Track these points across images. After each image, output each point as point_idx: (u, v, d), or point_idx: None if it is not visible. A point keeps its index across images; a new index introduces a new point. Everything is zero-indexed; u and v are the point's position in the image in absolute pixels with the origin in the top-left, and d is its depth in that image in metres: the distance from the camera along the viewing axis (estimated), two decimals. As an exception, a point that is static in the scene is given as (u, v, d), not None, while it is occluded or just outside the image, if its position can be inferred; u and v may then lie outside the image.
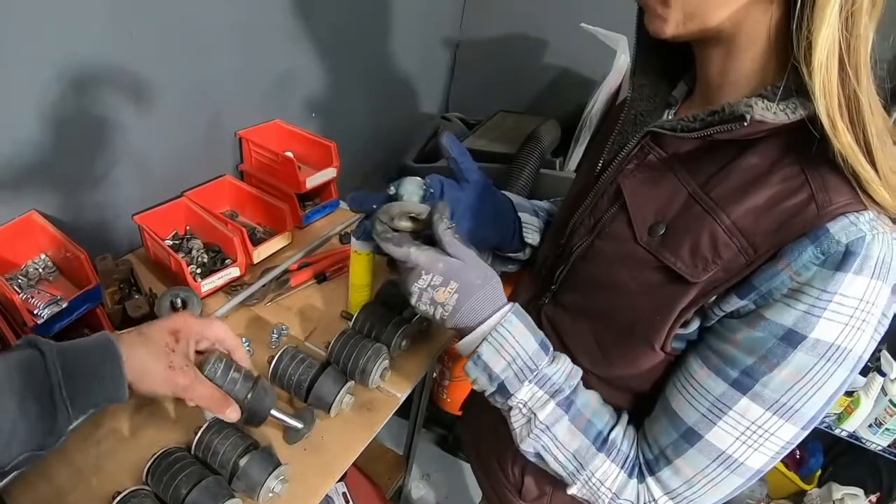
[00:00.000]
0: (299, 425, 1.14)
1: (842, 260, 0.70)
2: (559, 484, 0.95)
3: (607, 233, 0.92)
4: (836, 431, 2.44)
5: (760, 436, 0.78)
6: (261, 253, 1.65)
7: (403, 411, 2.25)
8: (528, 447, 0.92)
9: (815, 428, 2.29)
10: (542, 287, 1.08)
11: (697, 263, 0.79)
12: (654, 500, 0.87)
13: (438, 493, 2.87)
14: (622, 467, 0.89)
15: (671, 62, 0.95)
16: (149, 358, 0.92)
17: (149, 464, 1.05)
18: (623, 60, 2.13)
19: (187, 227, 1.76)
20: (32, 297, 1.36)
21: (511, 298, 0.94)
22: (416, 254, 0.90)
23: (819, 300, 0.71)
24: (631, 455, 0.90)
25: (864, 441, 2.43)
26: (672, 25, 0.79)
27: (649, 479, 0.87)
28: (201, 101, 1.74)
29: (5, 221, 1.40)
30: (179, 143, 1.73)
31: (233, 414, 1.02)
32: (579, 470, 0.89)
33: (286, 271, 1.62)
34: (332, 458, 1.20)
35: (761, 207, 0.75)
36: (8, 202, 1.38)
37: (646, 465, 0.88)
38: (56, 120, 1.37)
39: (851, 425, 2.41)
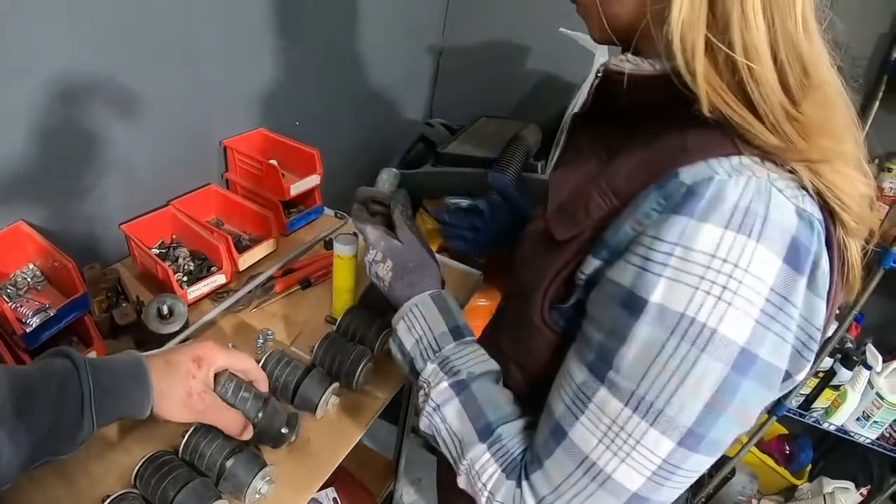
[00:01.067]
0: (285, 430, 1.17)
1: (680, 202, 0.64)
2: None
3: (536, 215, 0.98)
4: (825, 426, 2.46)
5: (625, 441, 0.68)
6: (246, 260, 1.67)
7: (392, 416, 2.27)
8: (423, 426, 0.94)
9: (804, 423, 2.33)
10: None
11: (568, 224, 0.79)
12: None
13: (429, 499, 2.86)
14: (501, 465, 0.83)
15: None
16: (170, 385, 0.98)
17: (137, 467, 1.07)
18: (601, 63, 2.14)
19: (173, 236, 1.77)
20: (21, 306, 1.38)
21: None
22: (369, 231, 1.04)
23: (652, 250, 0.65)
24: (515, 455, 0.83)
25: (852, 434, 2.45)
26: (597, 30, 0.85)
27: (524, 483, 0.80)
28: (187, 111, 1.76)
29: (-7, 231, 1.41)
30: (166, 152, 1.74)
31: (246, 435, 1.09)
32: (461, 457, 0.87)
33: (271, 278, 1.63)
34: (318, 460, 1.21)
35: (636, 168, 0.73)
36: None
37: (524, 469, 0.81)
38: (43, 130, 1.39)
39: (839, 419, 2.44)
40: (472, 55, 2.97)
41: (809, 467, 2.84)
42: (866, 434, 2.44)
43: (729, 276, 0.61)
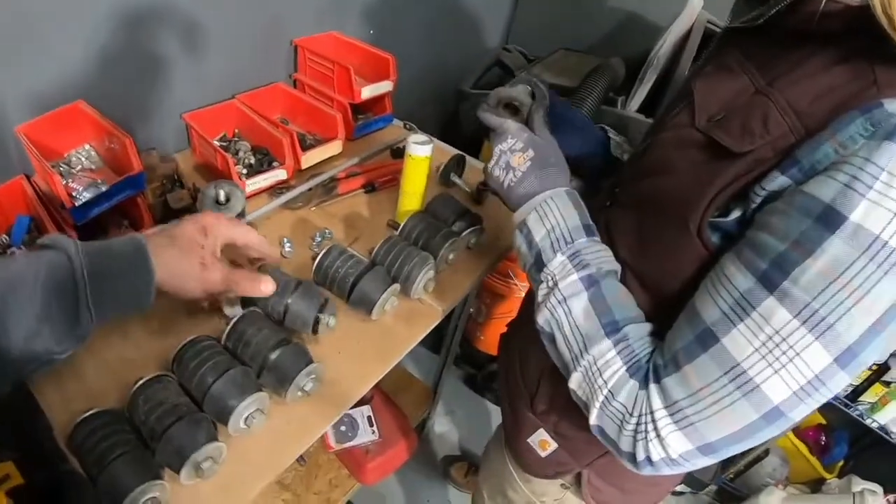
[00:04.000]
0: (321, 315, 1.14)
1: (892, 131, 0.64)
2: (568, 407, 0.97)
3: (672, 124, 0.93)
4: (867, 421, 2.42)
5: (784, 352, 0.69)
6: (309, 159, 1.60)
7: (435, 346, 2.24)
8: (542, 321, 0.93)
9: (845, 415, 2.34)
10: (608, 193, 1.09)
11: (744, 136, 0.77)
12: (650, 411, 0.79)
13: (460, 430, 2.89)
14: (625, 363, 0.84)
15: None
16: (180, 259, 0.90)
17: (176, 350, 1.02)
18: (696, 4, 2.09)
19: (236, 131, 1.72)
20: (73, 181, 1.32)
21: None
22: (510, 123, 1.03)
23: (862, 171, 0.64)
24: (640, 357, 0.84)
25: (893, 436, 2.40)
26: None
27: (652, 387, 0.80)
28: (260, 5, 1.69)
29: (52, 109, 1.36)
30: (235, 44, 1.69)
31: (268, 287, 1.01)
32: (583, 353, 0.87)
33: (334, 178, 1.58)
34: (365, 365, 1.16)
35: (819, 92, 0.72)
36: (57, 92, 1.35)
37: (653, 372, 0.81)
38: (112, 12, 1.34)
39: (883, 417, 2.39)
40: (556, -17, 2.86)
41: (841, 463, 2.79)
42: (908, 438, 2.39)
43: None
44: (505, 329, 1.46)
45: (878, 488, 2.51)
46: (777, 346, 0.69)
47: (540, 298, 0.94)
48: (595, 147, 1.23)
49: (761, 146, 0.75)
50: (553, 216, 0.94)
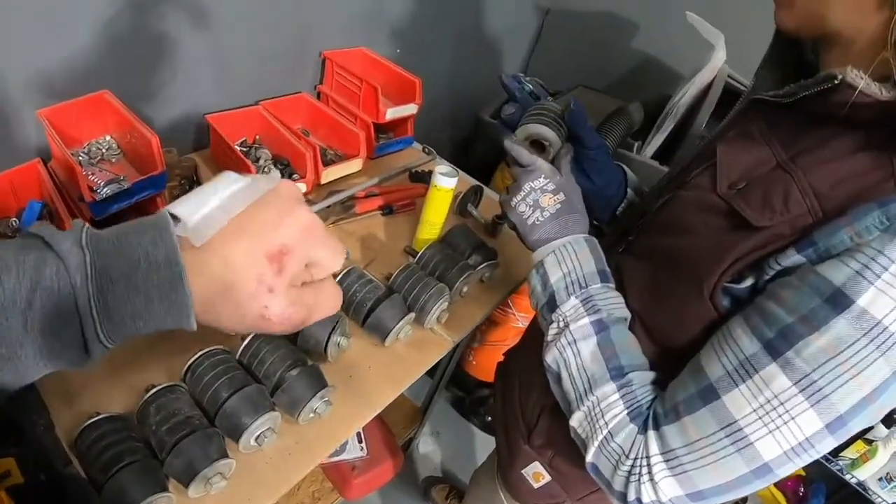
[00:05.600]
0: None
1: None
2: (566, 444, 0.98)
3: (692, 184, 0.96)
4: (847, 477, 2.43)
5: (780, 415, 0.73)
6: (330, 174, 1.60)
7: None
8: (550, 360, 0.96)
9: (825, 469, 2.37)
10: (618, 239, 1.12)
11: (765, 212, 0.80)
12: (647, 456, 0.82)
13: (444, 452, 2.88)
14: (627, 407, 0.87)
15: (803, 62, 0.96)
16: (233, 308, 0.56)
17: (190, 361, 1.01)
18: (720, 57, 2.09)
19: (257, 137, 1.71)
20: (93, 174, 1.31)
21: None
22: (542, 163, 1.03)
23: (873, 262, 0.68)
24: (642, 403, 0.87)
25: (870, 493, 2.41)
26: (794, 21, 0.84)
27: (651, 433, 0.83)
28: (290, 10, 1.69)
29: (73, 98, 1.35)
30: (263, 49, 1.69)
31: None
32: (587, 393, 0.90)
33: (353, 197, 1.57)
34: (374, 390, 1.17)
35: (840, 177, 0.76)
36: (79, 80, 1.34)
37: (653, 419, 0.84)
38: (145, 4, 1.34)
39: (863, 474, 2.40)
40: (578, 22, 2.87)
41: (817, 516, 2.82)
42: (885, 496, 2.39)
43: None
44: (502, 358, 1.46)
45: (851, 542, 2.54)
46: (774, 409, 0.73)
47: (550, 338, 0.97)
48: (603, 199, 1.24)
49: (780, 223, 0.78)
50: (570, 261, 0.97)
